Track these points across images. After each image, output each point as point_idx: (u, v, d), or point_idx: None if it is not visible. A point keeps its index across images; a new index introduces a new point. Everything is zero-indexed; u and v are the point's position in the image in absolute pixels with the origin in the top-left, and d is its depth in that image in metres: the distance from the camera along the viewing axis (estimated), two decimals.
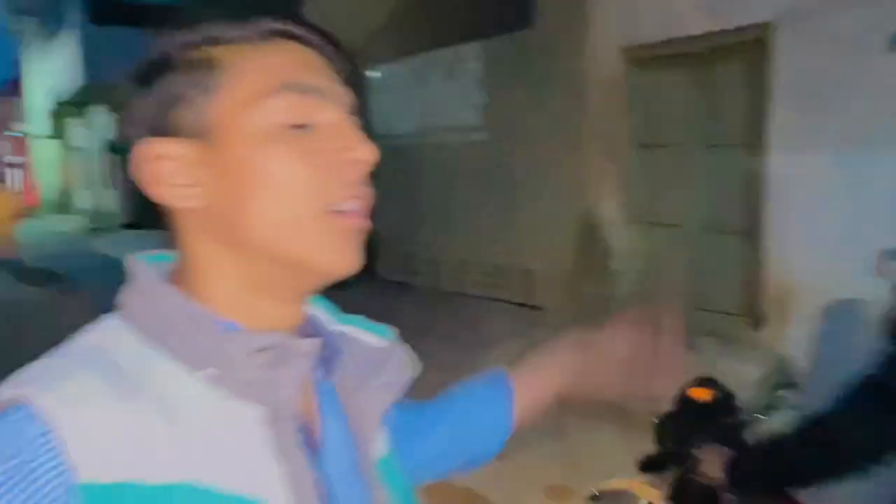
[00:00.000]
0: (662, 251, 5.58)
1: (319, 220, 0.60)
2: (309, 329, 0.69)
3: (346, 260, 0.62)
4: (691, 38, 5.07)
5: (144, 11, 15.99)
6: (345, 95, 0.64)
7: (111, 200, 21.16)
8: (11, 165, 38.65)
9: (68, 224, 24.24)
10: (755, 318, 4.86)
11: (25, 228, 22.26)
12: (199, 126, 0.60)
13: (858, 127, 4.22)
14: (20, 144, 36.27)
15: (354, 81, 0.66)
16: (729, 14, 4.79)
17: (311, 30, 0.64)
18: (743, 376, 4.46)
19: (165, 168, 0.61)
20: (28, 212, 26.28)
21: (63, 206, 29.75)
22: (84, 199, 24.94)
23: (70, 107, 22.44)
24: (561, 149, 6.14)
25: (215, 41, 0.61)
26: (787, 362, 3.85)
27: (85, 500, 0.50)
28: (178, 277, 0.64)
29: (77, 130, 24.69)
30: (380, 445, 0.72)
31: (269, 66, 0.60)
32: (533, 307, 6.56)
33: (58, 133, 26.94)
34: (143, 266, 0.64)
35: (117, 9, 18.16)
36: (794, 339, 4.57)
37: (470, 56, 6.97)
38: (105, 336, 0.60)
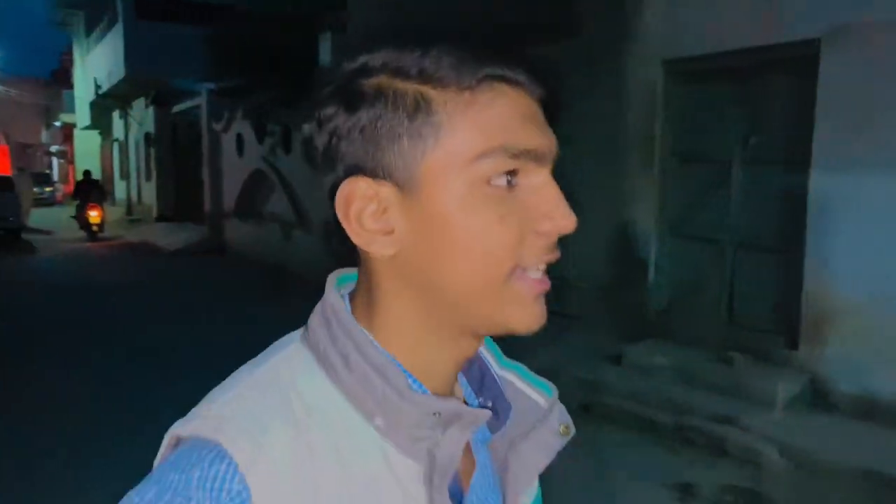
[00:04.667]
0: (698, 265, 5.56)
1: (509, 284, 0.59)
2: (474, 366, 0.72)
3: (532, 318, 0.62)
4: (736, 53, 5.05)
5: (188, 8, 16.28)
6: (553, 145, 0.61)
7: (148, 192, 21.49)
8: (54, 154, 39.44)
9: (108, 214, 24.66)
10: (791, 336, 4.82)
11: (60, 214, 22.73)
12: (405, 173, 0.58)
13: None
14: (64, 134, 37.08)
15: (557, 117, 0.63)
16: (776, 30, 4.76)
17: (530, 73, 0.60)
18: (774, 394, 4.45)
19: (365, 210, 0.59)
20: (65, 199, 26.74)
21: (107, 195, 30.28)
22: (121, 190, 25.36)
23: (111, 99, 22.85)
24: (600, 157, 6.13)
25: (429, 80, 0.58)
26: None
27: None
28: (357, 302, 0.65)
29: (117, 122, 25.11)
30: (527, 495, 0.72)
31: (486, 122, 0.57)
32: (566, 315, 6.56)
33: (98, 124, 27.46)
34: (337, 298, 0.64)
35: (161, 4, 18.45)
36: (831, 358, 4.53)
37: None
38: (289, 368, 0.62)
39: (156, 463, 0.60)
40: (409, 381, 0.60)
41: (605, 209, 6.06)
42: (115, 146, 26.35)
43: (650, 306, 5.77)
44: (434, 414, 0.59)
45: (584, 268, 6.38)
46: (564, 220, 0.60)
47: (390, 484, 0.59)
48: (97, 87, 22.77)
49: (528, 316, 0.61)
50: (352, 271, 0.69)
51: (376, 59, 0.59)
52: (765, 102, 5.06)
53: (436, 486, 0.60)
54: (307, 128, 0.62)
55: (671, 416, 4.58)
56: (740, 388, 4.62)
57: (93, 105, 25.43)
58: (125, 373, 6.06)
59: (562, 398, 0.71)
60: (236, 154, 13.70)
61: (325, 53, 9.79)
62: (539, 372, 0.74)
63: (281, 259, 11.66)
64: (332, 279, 0.67)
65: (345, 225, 0.60)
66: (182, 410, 0.62)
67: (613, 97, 5.91)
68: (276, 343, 0.66)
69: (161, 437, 0.61)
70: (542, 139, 0.60)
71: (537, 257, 0.60)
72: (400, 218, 0.59)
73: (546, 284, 0.62)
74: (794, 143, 4.81)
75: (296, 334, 0.66)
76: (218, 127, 14.43)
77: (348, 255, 0.66)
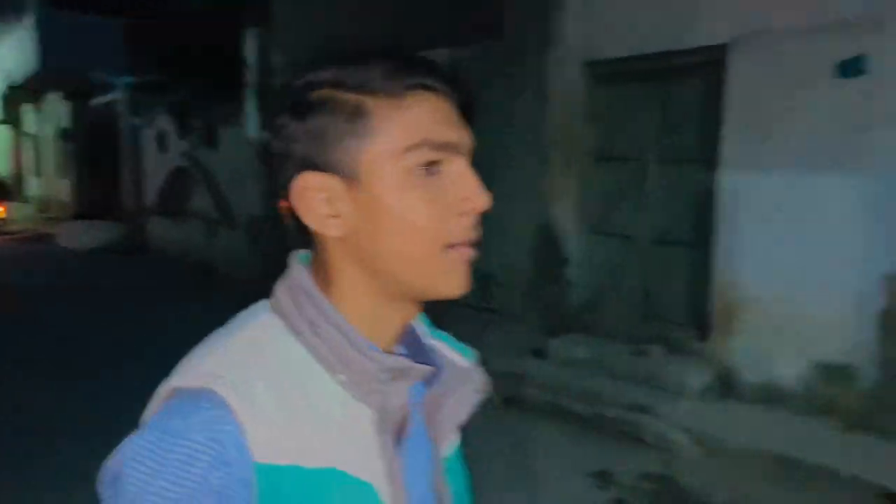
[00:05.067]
0: (616, 261, 5.75)
1: (439, 256, 0.72)
2: (409, 335, 0.83)
3: (458, 286, 0.75)
4: (651, 56, 5.25)
5: None
6: (468, 140, 0.75)
7: (63, 189, 20.66)
8: None
9: (17, 212, 23.58)
10: (702, 328, 5.05)
11: None
12: (348, 167, 0.70)
13: (804, 148, 4.44)
14: None
15: (473, 118, 0.78)
16: (687, 35, 4.98)
17: (446, 81, 0.74)
18: (686, 384, 4.66)
19: (317, 199, 0.72)
20: None
21: (13, 193, 28.90)
22: (35, 187, 24.29)
23: (24, 92, 21.85)
24: (524, 157, 6.27)
25: (365, 90, 0.71)
26: None
27: (259, 477, 0.65)
28: (315, 276, 0.76)
29: (30, 116, 24.03)
30: (449, 446, 0.85)
31: (411, 122, 0.70)
32: (490, 311, 6.68)
33: (10, 119, 26.20)
34: (304, 274, 0.76)
35: None
36: (738, 349, 4.77)
37: (438, 62, 7.06)
38: (264, 333, 0.73)
39: (147, 414, 0.69)
40: (367, 343, 0.73)
41: (529, 208, 6.20)
42: (28, 141, 25.21)
43: (572, 301, 5.93)
44: (389, 370, 0.72)
45: (509, 265, 6.51)
46: (480, 199, 0.74)
47: (350, 426, 0.71)
48: (8, 79, 21.74)
49: (454, 283, 0.74)
50: (306, 252, 0.79)
51: (320, 75, 0.72)
52: (679, 104, 5.27)
53: (385, 430, 0.73)
54: (264, 135, 0.76)
55: (590, 407, 4.74)
56: (655, 378, 4.82)
57: (3, 98, 24.26)
58: (47, 374, 5.86)
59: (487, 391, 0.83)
60: (158, 150, 13.33)
61: (250, 49, 9.64)
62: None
63: (205, 257, 11.42)
64: (294, 258, 0.78)
65: (300, 212, 0.72)
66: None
67: (536, 98, 6.05)
68: (245, 313, 0.77)
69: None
70: (458, 135, 0.74)
71: (462, 235, 0.73)
72: (346, 204, 0.71)
73: (472, 254, 0.75)
74: (705, 143, 5.04)
75: (262, 305, 0.77)
76: (138, 122, 14.01)
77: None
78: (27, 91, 21.54)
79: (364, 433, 0.72)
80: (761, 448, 4.11)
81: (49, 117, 21.57)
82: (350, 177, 0.70)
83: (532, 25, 6.06)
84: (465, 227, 0.73)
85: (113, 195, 16.26)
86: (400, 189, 0.70)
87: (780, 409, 4.54)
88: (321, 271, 0.75)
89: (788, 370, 4.55)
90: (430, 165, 0.71)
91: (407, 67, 0.72)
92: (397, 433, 0.76)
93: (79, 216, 18.38)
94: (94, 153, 18.66)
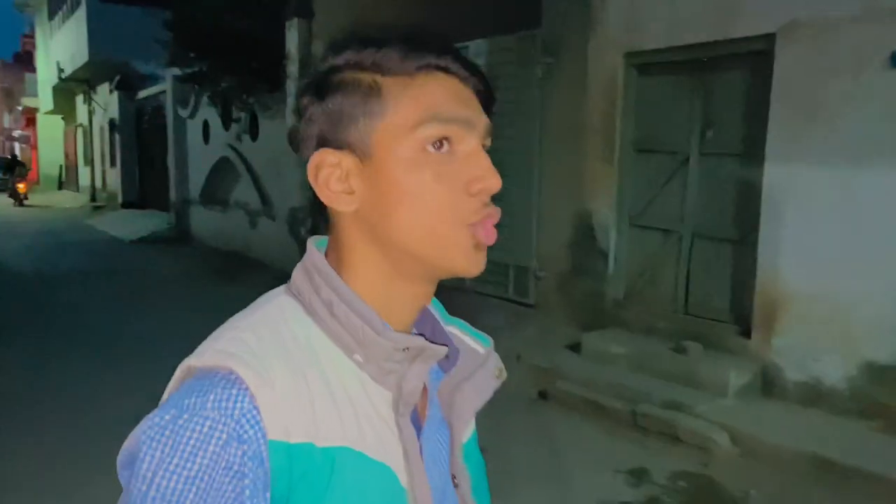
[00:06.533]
0: (655, 255, 5.64)
1: (456, 232, 0.72)
2: (426, 321, 0.84)
3: (473, 265, 0.74)
4: (693, 47, 5.12)
5: None
6: (483, 121, 0.75)
7: (112, 179, 21.13)
8: (18, 139, 38.45)
9: (68, 201, 24.22)
10: (744, 325, 4.92)
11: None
12: (361, 144, 0.72)
13: (853, 141, 4.28)
14: (27, 119, 36.14)
15: (491, 106, 0.77)
16: (732, 24, 4.84)
17: (461, 64, 0.74)
18: (726, 382, 4.55)
19: (332, 175, 0.73)
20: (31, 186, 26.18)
21: (64, 182, 29.70)
22: (85, 177, 24.91)
23: (75, 83, 22.39)
24: (561, 149, 6.19)
25: (381, 70, 0.72)
26: None
27: (272, 454, 0.64)
28: (330, 258, 0.77)
29: (81, 107, 24.64)
30: (467, 432, 0.85)
31: (422, 99, 0.71)
32: (526, 304, 6.62)
33: (62, 109, 26.89)
34: (319, 256, 0.76)
35: None
36: (781, 347, 4.64)
37: (476, 52, 7.01)
38: (281, 313, 0.73)
39: (167, 393, 0.70)
40: (382, 322, 0.73)
41: (567, 200, 6.13)
42: (80, 132, 25.86)
43: (609, 295, 5.84)
44: (404, 349, 0.72)
45: (546, 258, 6.45)
46: (492, 180, 0.73)
47: (367, 406, 0.71)
48: (60, 70, 22.31)
49: (467, 261, 0.74)
50: (324, 238, 0.80)
51: (341, 58, 0.74)
52: (722, 95, 5.14)
53: (401, 412, 0.73)
54: (291, 117, 0.73)
55: (626, 403, 4.66)
56: (693, 376, 4.71)
57: (56, 89, 24.91)
58: (93, 354, 6.00)
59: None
60: (202, 141, 13.55)
61: (292, 40, 9.71)
62: (500, 357, 0.85)
63: (246, 247, 11.58)
64: (311, 242, 0.79)
65: (315, 187, 0.73)
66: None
67: (576, 88, 5.96)
68: (262, 297, 0.78)
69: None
70: (469, 112, 0.73)
71: (475, 213, 0.72)
72: (359, 180, 0.72)
73: (490, 238, 0.74)
74: (750, 135, 4.90)
75: (279, 289, 0.78)
76: (184, 113, 14.25)
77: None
78: (78, 82, 22.06)
79: (381, 415, 0.72)
80: (800, 448, 3.99)
81: (98, 108, 22.07)
82: (363, 154, 0.72)
83: (572, 14, 5.97)
84: (476, 207, 0.73)
85: (159, 185, 16.58)
86: (411, 165, 0.71)
87: (821, 408, 4.40)
88: (336, 252, 0.76)
89: (833, 369, 4.41)
90: (441, 142, 0.71)
91: (420, 48, 0.73)
92: (414, 417, 0.76)
93: (127, 205, 18.83)
94: (142, 143, 19.06)
